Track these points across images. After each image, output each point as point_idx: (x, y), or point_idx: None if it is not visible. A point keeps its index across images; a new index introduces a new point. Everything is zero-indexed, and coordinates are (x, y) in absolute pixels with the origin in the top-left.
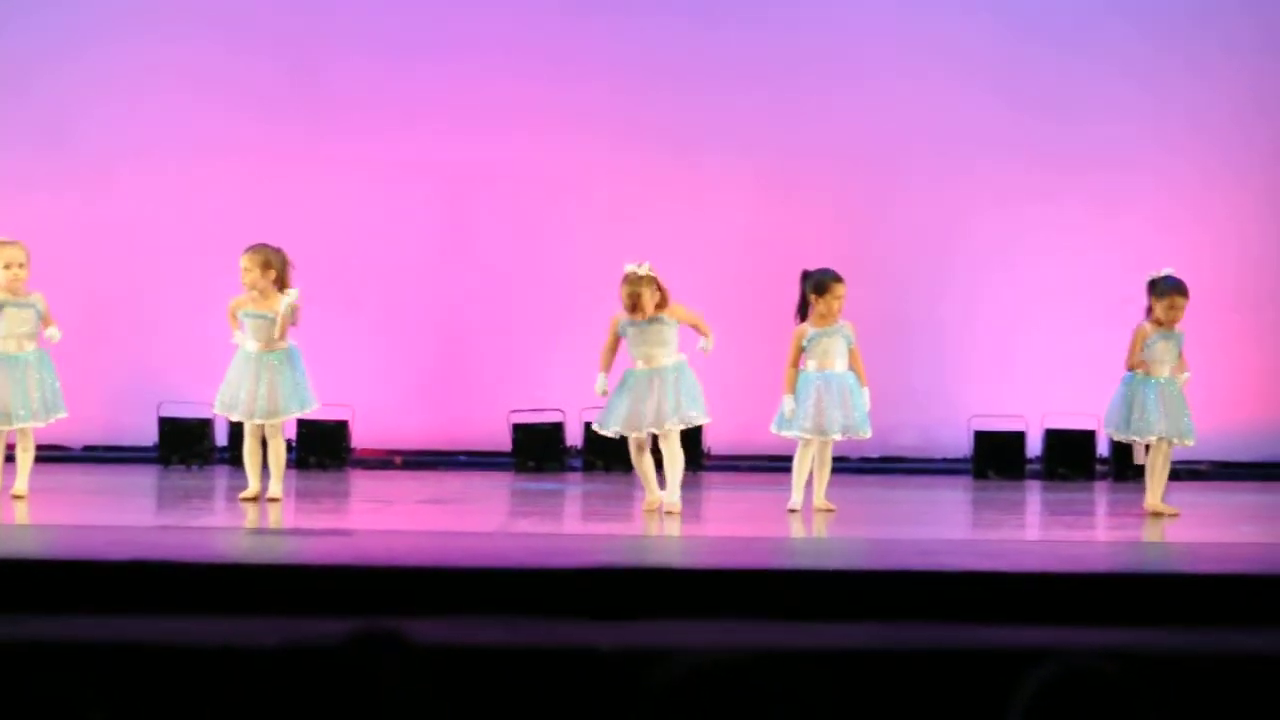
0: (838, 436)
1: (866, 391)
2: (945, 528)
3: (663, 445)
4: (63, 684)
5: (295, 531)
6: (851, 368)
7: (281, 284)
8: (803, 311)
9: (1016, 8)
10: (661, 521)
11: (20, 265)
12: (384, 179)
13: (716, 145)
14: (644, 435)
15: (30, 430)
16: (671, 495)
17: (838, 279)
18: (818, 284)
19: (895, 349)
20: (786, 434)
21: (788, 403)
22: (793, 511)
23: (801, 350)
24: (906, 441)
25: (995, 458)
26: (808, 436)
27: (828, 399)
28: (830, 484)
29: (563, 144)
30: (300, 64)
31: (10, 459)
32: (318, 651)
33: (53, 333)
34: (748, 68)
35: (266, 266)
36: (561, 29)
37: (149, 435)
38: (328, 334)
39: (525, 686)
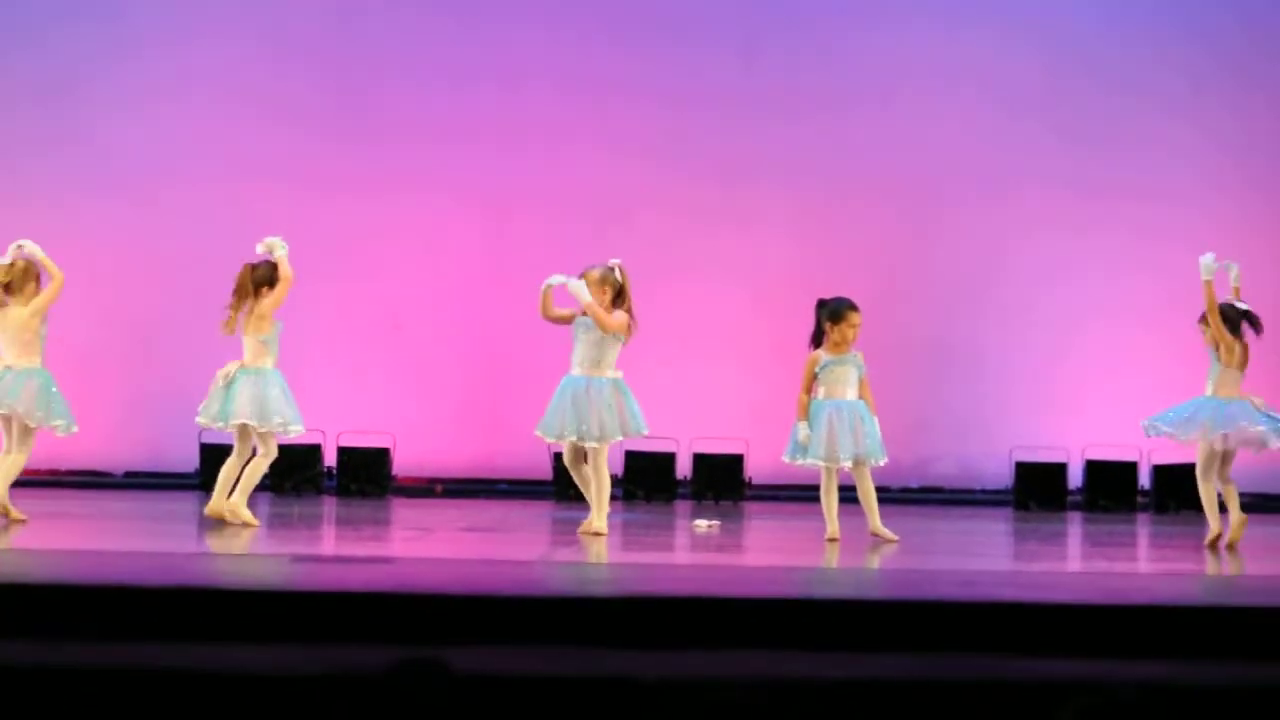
0: (847, 464)
1: (876, 420)
2: (986, 559)
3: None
4: (102, 709)
5: (337, 559)
6: (861, 397)
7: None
8: (817, 339)
9: (1059, 43)
10: (697, 551)
11: None
12: (426, 206)
13: (761, 174)
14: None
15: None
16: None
17: (853, 307)
18: (833, 312)
19: (937, 379)
20: (800, 463)
21: (802, 429)
22: (832, 540)
23: (814, 377)
24: (947, 472)
25: (1036, 489)
26: (819, 464)
27: (839, 426)
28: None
29: (606, 172)
30: (346, 89)
31: None
32: (360, 679)
33: None
34: (793, 98)
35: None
36: (607, 58)
37: (190, 462)
38: (369, 362)
39: (566, 716)
